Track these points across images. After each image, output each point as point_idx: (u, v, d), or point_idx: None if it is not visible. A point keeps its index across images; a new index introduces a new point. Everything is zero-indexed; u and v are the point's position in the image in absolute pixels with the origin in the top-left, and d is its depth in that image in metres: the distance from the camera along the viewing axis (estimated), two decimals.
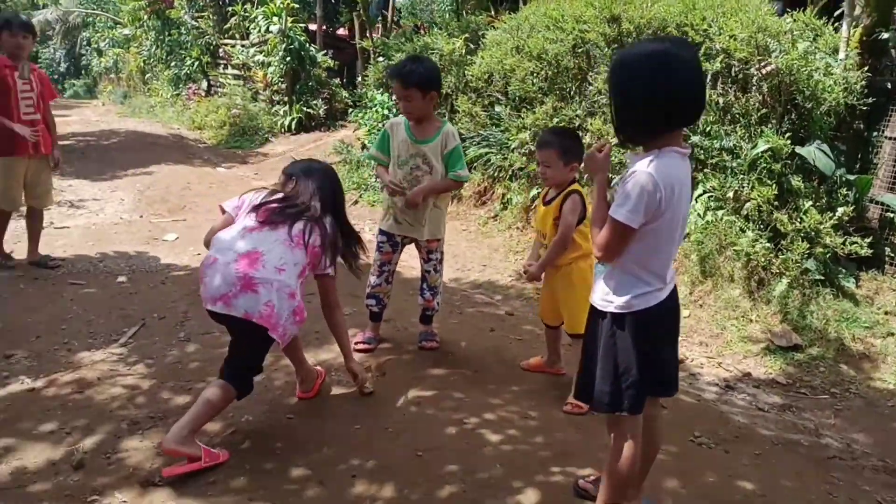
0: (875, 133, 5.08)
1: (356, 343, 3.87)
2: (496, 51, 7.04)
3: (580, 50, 6.09)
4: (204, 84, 16.95)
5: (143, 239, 6.10)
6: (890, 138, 4.92)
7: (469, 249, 6.47)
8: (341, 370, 3.65)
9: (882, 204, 4.93)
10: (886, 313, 4.57)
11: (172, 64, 17.83)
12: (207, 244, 2.99)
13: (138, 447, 2.80)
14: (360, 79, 11.85)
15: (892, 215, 4.90)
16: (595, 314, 2.27)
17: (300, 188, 3.02)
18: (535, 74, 6.57)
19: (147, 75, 20.26)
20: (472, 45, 7.95)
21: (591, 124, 5.83)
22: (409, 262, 5.04)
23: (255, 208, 2.91)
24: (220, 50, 15.95)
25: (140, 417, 3.06)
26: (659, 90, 1.99)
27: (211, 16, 16.16)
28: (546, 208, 3.37)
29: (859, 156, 5.08)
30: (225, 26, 15.43)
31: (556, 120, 6.25)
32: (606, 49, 5.79)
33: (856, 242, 4.54)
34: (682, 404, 3.72)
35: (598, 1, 5.80)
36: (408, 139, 3.69)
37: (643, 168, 2.02)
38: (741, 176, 4.89)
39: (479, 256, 6.30)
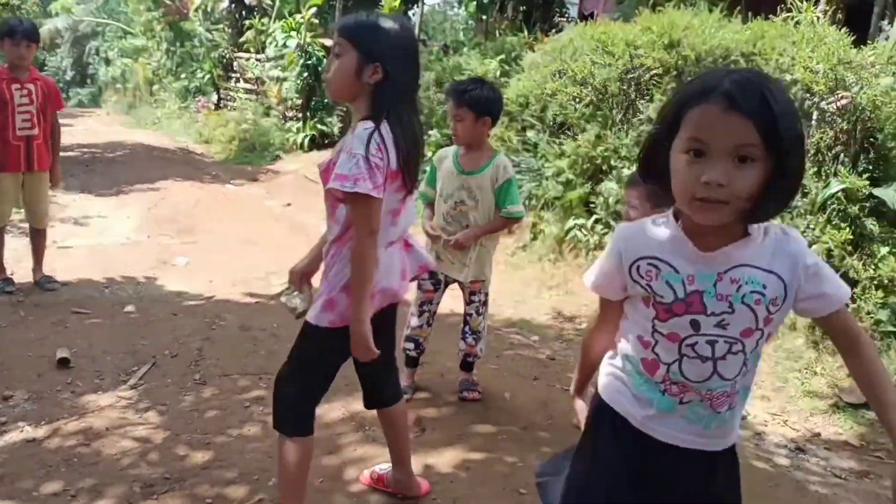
0: None
1: None
2: (534, 74, 6.71)
3: (631, 76, 5.75)
4: (214, 97, 16.71)
5: (152, 262, 5.72)
6: None
7: (499, 282, 6.04)
8: (376, 424, 3.27)
9: None
10: None
11: (182, 76, 17.60)
12: None
13: None
14: None
15: None
16: None
17: None
18: (577, 100, 6.23)
19: (155, 86, 20.03)
20: (506, 67, 7.64)
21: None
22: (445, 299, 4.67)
23: None
24: (235, 63, 15.69)
25: (154, 479, 2.68)
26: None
27: (226, 29, 15.96)
28: None
29: None
30: (240, 40, 15.19)
31: (599, 149, 5.90)
32: (665, 77, 5.45)
33: None
34: (755, 470, 3.35)
35: (657, 26, 5.45)
36: (454, 170, 3.35)
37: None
38: (809, 217, 4.52)
39: (510, 291, 5.91)
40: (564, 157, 6.24)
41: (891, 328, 4.28)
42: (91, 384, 3.43)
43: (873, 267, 4.28)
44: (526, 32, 9.04)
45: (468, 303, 3.52)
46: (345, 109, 12.15)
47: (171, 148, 13.75)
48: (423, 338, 3.52)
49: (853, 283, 4.38)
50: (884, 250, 4.27)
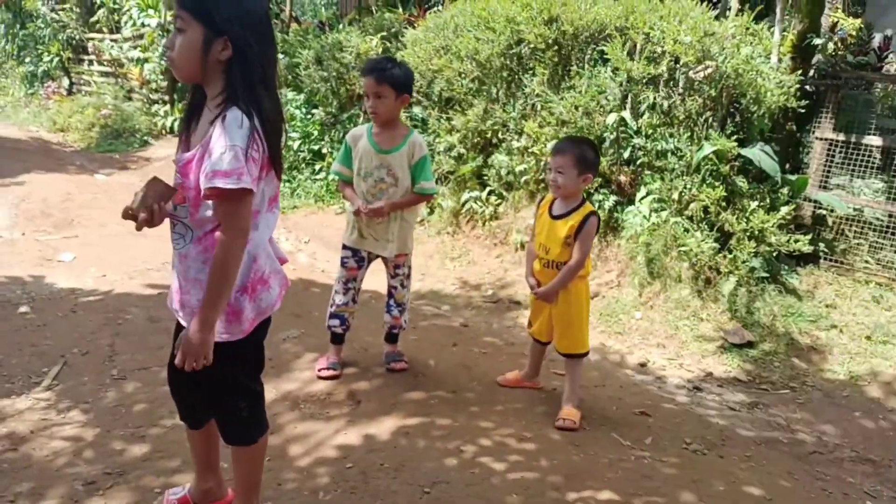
0: (805, 134, 5.32)
1: (319, 370, 3.53)
2: (418, 50, 6.79)
3: (513, 52, 5.96)
4: (65, 82, 15.51)
5: (35, 260, 5.35)
6: (820, 139, 5.16)
7: None
8: (310, 401, 3.32)
9: (815, 202, 5.16)
10: (827, 306, 4.76)
11: (27, 60, 16.18)
12: None
13: None
14: None
15: (823, 213, 5.13)
16: None
17: None
18: (463, 75, 6.39)
19: None
20: (387, 44, 7.66)
21: (526, 126, 5.72)
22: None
23: None
24: (90, 45, 14.62)
25: (95, 475, 2.60)
26: None
27: (74, 8, 14.79)
28: (554, 222, 3.18)
29: (790, 156, 5.29)
30: (91, 19, 14.16)
31: (489, 122, 6.10)
32: (547, 51, 5.70)
33: (799, 240, 4.69)
34: (662, 410, 3.68)
35: (536, 2, 5.68)
36: (371, 149, 3.40)
37: None
38: (685, 178, 4.93)
39: (414, 264, 5.98)
40: (454, 132, 6.41)
41: (764, 274, 4.79)
42: (2, 389, 3.23)
43: (745, 220, 4.75)
44: (401, 8, 9.07)
45: (392, 276, 3.60)
46: None
47: (23, 138, 12.65)
48: (349, 314, 3.57)
49: (728, 236, 4.85)
50: (753, 204, 4.75)
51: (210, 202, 1.87)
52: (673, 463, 3.06)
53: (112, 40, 13.68)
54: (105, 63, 14.10)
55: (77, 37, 15.00)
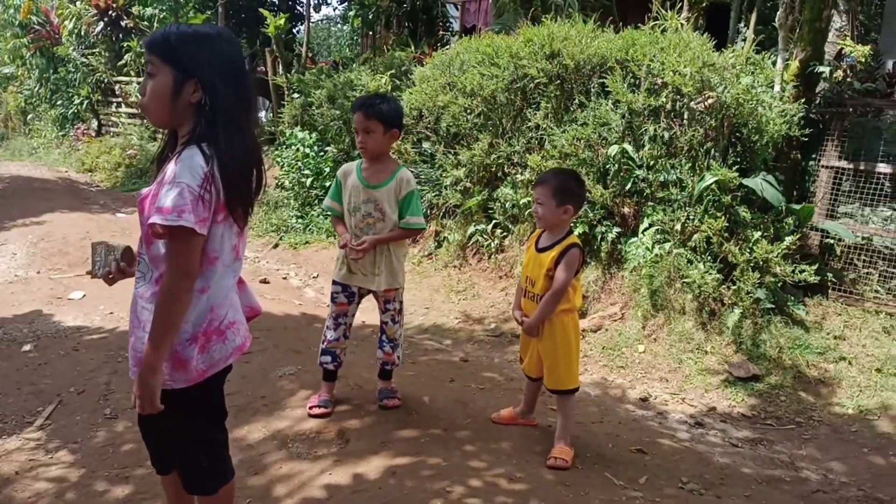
0: (811, 162, 5.25)
1: (310, 408, 3.51)
2: (426, 87, 6.89)
3: (517, 86, 6.01)
4: (94, 124, 15.98)
5: (45, 298, 5.47)
6: (826, 167, 5.09)
7: (408, 291, 6.11)
8: (299, 439, 3.30)
9: (822, 231, 5.07)
10: (836, 338, 4.65)
11: (58, 103, 16.72)
12: None
13: None
14: (270, 116, 11.44)
15: (831, 241, 5.04)
16: None
17: None
18: (468, 111, 6.45)
19: (29, 115, 18.91)
20: (397, 82, 7.78)
21: (530, 160, 5.74)
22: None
23: None
24: (117, 87, 15.07)
25: None
26: None
27: (103, 52, 15.28)
28: (539, 255, 3.17)
29: (796, 185, 5.22)
30: (119, 63, 14.61)
31: (494, 156, 6.13)
32: (550, 85, 5.74)
33: (804, 270, 4.60)
34: (660, 447, 3.60)
35: (538, 37, 5.73)
36: (359, 184, 3.42)
37: None
38: (688, 208, 4.89)
39: (420, 298, 6.03)
40: (461, 167, 6.45)
41: (769, 305, 4.70)
42: None
43: (748, 251, 4.67)
44: (413, 47, 9.22)
45: (383, 311, 3.60)
46: None
47: (52, 179, 13.03)
48: (340, 350, 3.57)
49: (732, 267, 4.77)
50: (756, 234, 4.68)
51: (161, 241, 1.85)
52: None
53: (138, 82, 14.08)
54: (132, 105, 14.51)
55: (106, 80, 15.48)
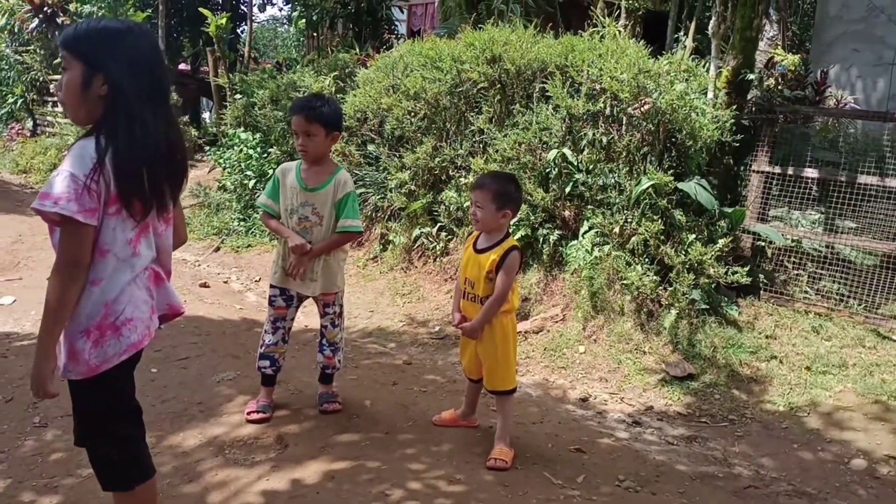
0: (743, 167, 5.42)
1: (248, 413, 3.46)
2: (370, 89, 6.86)
3: (459, 90, 6.04)
4: (29, 123, 15.42)
5: None
6: (757, 172, 5.26)
7: (352, 294, 6.16)
8: (236, 445, 3.25)
9: (753, 233, 5.23)
10: (767, 337, 4.80)
11: None
12: None
13: None
14: (214, 116, 11.24)
15: (762, 244, 5.21)
16: None
17: None
18: (412, 114, 6.45)
19: None
20: (341, 84, 7.74)
21: (473, 163, 5.78)
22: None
23: None
24: (52, 86, 14.58)
25: None
26: None
27: (38, 50, 14.78)
28: (478, 256, 3.19)
29: (728, 189, 5.38)
30: (55, 61, 14.14)
31: (437, 159, 6.15)
32: (491, 90, 5.79)
33: (737, 272, 4.74)
34: (599, 446, 3.66)
35: (479, 42, 5.78)
36: (297, 186, 3.36)
37: None
38: (626, 212, 4.99)
39: (364, 302, 6.01)
40: (405, 170, 6.45)
41: (704, 306, 4.82)
42: None
43: (684, 253, 4.80)
44: (357, 49, 9.19)
45: (322, 315, 3.56)
46: (194, 124, 11.70)
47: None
48: (279, 354, 3.53)
49: (669, 269, 4.89)
50: (691, 237, 4.80)
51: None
52: (603, 502, 3.02)
53: None
54: None
55: (41, 78, 14.98)
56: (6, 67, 15.54)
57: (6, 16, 14.68)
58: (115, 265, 1.93)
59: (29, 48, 15.18)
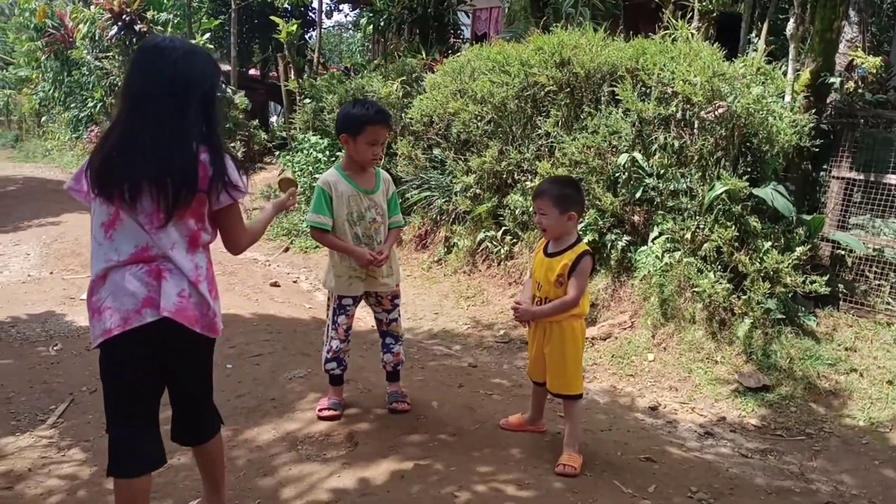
0: (822, 173, 5.24)
1: (320, 410, 3.53)
2: (436, 94, 6.92)
3: (527, 94, 6.03)
4: (108, 126, 16.06)
5: (58, 299, 5.51)
6: (837, 178, 5.08)
7: (417, 296, 6.21)
8: (309, 441, 3.32)
9: (833, 242, 5.05)
10: (847, 349, 4.62)
11: (72, 106, 16.87)
12: None
13: None
14: (281, 121, 11.50)
15: (842, 252, 5.02)
16: None
17: None
18: (479, 118, 6.47)
19: (43, 118, 19.07)
20: (408, 88, 7.82)
21: (539, 167, 5.76)
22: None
23: None
24: None
25: None
26: None
27: (117, 56, 15.40)
28: (549, 260, 3.18)
29: (807, 195, 5.21)
30: None
31: (504, 163, 6.15)
32: (559, 93, 5.76)
33: (815, 281, 4.59)
34: (670, 456, 3.59)
35: (548, 45, 5.76)
36: (357, 192, 3.36)
37: None
38: (698, 217, 4.89)
39: (429, 304, 6.05)
40: (471, 173, 6.47)
41: (780, 316, 4.67)
42: (7, 426, 3.31)
43: (759, 260, 4.66)
44: (424, 54, 9.27)
45: (389, 310, 3.59)
46: (247, 133, 12.02)
47: (65, 180, 13.14)
48: (344, 353, 3.56)
49: (742, 277, 4.76)
50: (766, 244, 4.67)
51: None
52: None
53: None
54: None
55: (119, 83, 15.59)
56: (87, 73, 16.26)
57: (88, 24, 15.35)
58: (95, 248, 2.10)
59: (108, 54, 15.82)
